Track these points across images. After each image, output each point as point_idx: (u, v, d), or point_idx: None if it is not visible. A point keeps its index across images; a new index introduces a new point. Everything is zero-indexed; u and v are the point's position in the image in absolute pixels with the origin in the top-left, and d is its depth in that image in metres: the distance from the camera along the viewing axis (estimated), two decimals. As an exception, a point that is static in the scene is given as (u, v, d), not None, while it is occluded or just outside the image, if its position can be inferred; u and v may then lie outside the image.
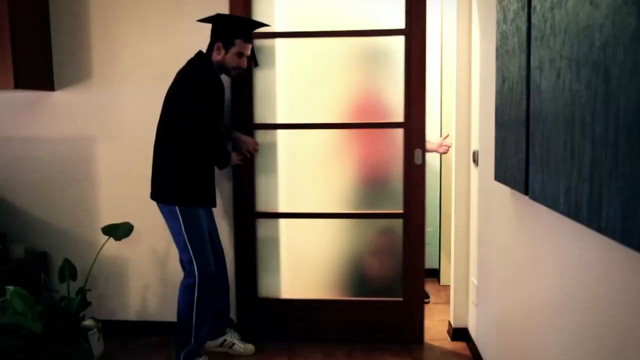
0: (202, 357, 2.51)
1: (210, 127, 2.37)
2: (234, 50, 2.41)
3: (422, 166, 2.71)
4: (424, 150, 2.71)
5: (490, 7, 2.23)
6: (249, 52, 2.47)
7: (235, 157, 2.64)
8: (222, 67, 2.45)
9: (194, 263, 2.41)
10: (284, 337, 2.85)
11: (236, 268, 2.83)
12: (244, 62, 2.46)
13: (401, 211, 2.75)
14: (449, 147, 3.20)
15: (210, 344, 2.67)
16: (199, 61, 2.43)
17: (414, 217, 2.73)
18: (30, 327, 2.02)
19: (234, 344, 2.69)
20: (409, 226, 2.74)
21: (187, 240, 2.40)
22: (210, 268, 2.43)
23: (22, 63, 2.58)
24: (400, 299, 2.81)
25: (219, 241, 2.68)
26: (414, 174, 2.71)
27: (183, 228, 2.40)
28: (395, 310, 2.81)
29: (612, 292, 1.18)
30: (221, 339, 2.69)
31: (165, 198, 2.43)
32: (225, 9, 2.69)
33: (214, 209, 2.65)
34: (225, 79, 2.53)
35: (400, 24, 2.67)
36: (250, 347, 2.71)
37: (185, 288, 2.43)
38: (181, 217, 2.40)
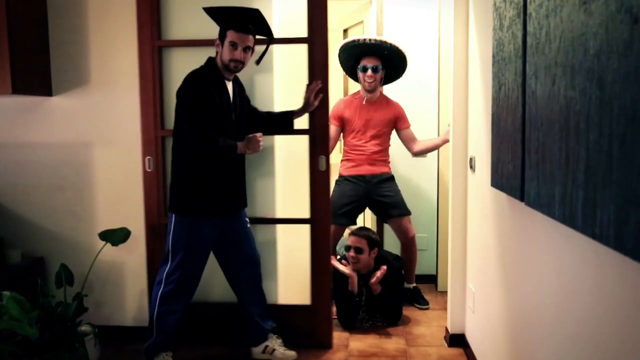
0: (167, 353, 2.51)
1: (207, 128, 2.32)
2: (226, 42, 2.38)
3: (327, 172, 2.75)
4: (328, 157, 2.74)
5: (487, 15, 2.24)
6: (246, 44, 2.38)
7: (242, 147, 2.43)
8: (224, 64, 2.41)
9: (168, 265, 2.45)
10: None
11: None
12: (239, 54, 2.37)
13: (308, 217, 2.80)
14: None
15: (254, 350, 2.67)
16: (205, 64, 2.45)
17: (320, 222, 2.77)
18: (26, 332, 2.01)
19: (274, 349, 2.66)
20: (316, 231, 2.79)
21: (169, 244, 2.45)
22: (176, 284, 2.43)
23: (20, 68, 2.58)
24: (308, 303, 2.83)
25: (249, 247, 2.61)
26: (319, 180, 2.75)
27: (171, 232, 2.44)
28: (302, 315, 2.83)
29: (607, 298, 1.19)
30: (263, 345, 2.67)
31: (169, 208, 2.47)
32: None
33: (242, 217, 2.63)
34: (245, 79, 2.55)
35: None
36: (291, 354, 2.67)
37: (157, 283, 2.48)
38: (174, 222, 2.44)
